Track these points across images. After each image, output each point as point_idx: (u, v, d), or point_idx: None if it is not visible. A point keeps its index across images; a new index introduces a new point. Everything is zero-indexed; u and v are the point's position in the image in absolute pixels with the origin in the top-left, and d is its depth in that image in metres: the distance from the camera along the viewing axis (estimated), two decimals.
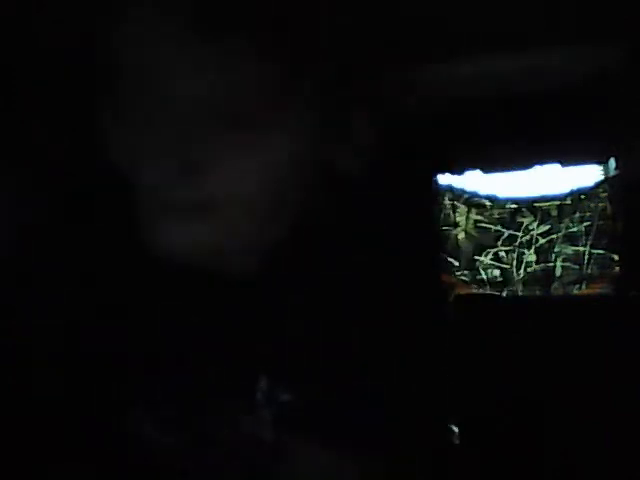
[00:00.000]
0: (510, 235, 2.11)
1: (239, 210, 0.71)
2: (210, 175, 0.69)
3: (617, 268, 2.06)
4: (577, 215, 2.09)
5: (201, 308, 0.79)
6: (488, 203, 2.11)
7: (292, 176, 0.72)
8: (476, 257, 2.12)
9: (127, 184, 0.72)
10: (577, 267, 2.09)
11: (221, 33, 0.66)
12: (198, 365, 0.79)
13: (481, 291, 2.08)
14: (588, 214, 2.09)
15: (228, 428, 0.78)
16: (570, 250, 2.09)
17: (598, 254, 2.08)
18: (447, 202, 2.12)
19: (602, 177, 2.08)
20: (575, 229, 2.09)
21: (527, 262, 2.10)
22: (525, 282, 2.11)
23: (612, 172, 2.06)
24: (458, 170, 2.09)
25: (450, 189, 2.11)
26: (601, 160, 2.07)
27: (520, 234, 2.11)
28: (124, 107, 0.70)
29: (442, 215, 2.11)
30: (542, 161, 2.04)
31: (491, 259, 2.11)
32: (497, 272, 2.11)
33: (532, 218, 2.11)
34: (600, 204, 2.08)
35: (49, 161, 0.90)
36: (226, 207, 0.70)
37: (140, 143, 0.69)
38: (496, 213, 2.12)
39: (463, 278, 2.11)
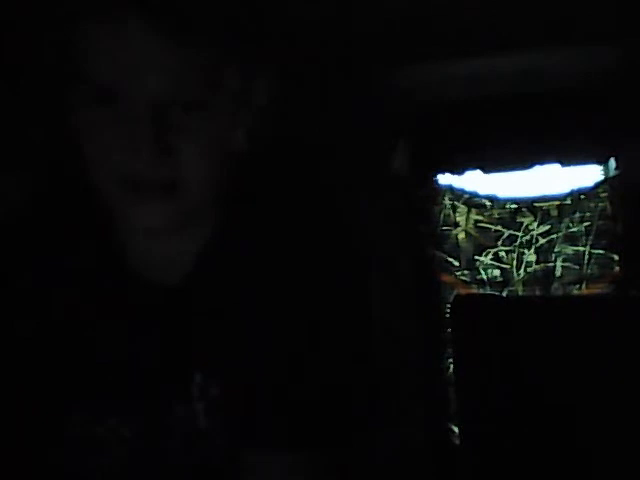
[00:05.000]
0: (510, 235, 2.11)
1: (198, 183, 0.82)
2: (175, 155, 0.79)
3: (617, 268, 2.06)
4: (577, 215, 2.09)
5: (144, 310, 0.88)
6: (488, 203, 2.11)
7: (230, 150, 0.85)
8: (476, 257, 2.12)
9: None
10: (577, 267, 2.09)
11: (179, 37, 0.78)
12: (142, 360, 0.87)
13: (481, 291, 2.08)
14: (588, 214, 2.09)
15: (166, 415, 0.87)
16: (570, 250, 2.09)
17: (598, 254, 2.08)
18: (447, 202, 2.11)
19: (602, 177, 2.08)
20: (575, 229, 2.09)
21: (527, 262, 2.10)
22: (525, 282, 2.11)
23: (612, 172, 2.05)
24: (458, 170, 2.09)
25: (450, 189, 2.11)
26: (601, 160, 2.07)
27: (520, 234, 2.11)
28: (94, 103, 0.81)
29: (442, 215, 2.11)
30: (542, 161, 2.04)
31: (491, 259, 2.11)
32: (497, 272, 2.11)
33: (532, 218, 2.10)
34: (600, 204, 2.08)
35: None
36: (188, 182, 0.81)
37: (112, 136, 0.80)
38: (496, 213, 2.11)
39: (463, 278, 2.11)
